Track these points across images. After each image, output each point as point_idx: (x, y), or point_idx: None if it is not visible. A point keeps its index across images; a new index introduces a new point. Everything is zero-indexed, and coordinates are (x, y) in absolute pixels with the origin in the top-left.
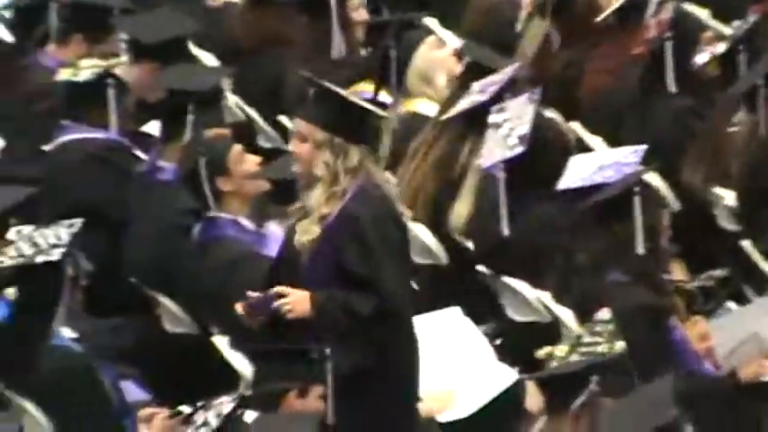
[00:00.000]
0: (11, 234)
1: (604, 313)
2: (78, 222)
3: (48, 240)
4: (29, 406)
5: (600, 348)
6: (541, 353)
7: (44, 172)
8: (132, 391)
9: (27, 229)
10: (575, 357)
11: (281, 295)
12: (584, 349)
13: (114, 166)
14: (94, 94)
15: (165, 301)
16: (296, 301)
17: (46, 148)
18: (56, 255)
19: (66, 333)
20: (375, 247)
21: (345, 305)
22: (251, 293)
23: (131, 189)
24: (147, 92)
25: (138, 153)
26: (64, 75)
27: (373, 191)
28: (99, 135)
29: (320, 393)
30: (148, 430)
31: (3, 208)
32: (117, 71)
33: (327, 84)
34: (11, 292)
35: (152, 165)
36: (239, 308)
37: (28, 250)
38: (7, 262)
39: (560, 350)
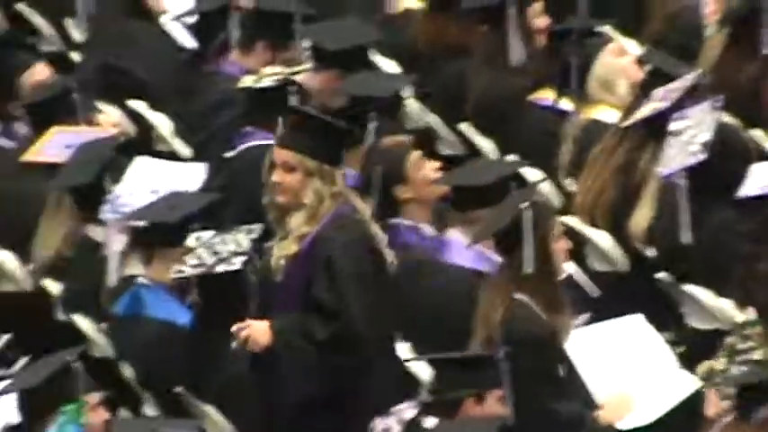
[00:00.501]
0: (190, 241)
1: (750, 313)
2: (258, 228)
3: (228, 248)
4: (210, 411)
5: (756, 356)
6: (701, 370)
7: (227, 178)
8: None
9: (207, 235)
10: (734, 370)
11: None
12: (741, 358)
13: None
14: (276, 101)
15: None
16: (256, 332)
17: (228, 154)
18: (237, 264)
19: None
20: (342, 275)
21: (303, 329)
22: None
23: None
24: (329, 99)
25: None
26: (246, 82)
27: (350, 215)
28: None
29: (498, 397)
30: None
31: (185, 214)
32: (299, 78)
33: (310, 109)
34: (194, 298)
35: None
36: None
37: (208, 259)
38: (188, 272)
39: (719, 363)
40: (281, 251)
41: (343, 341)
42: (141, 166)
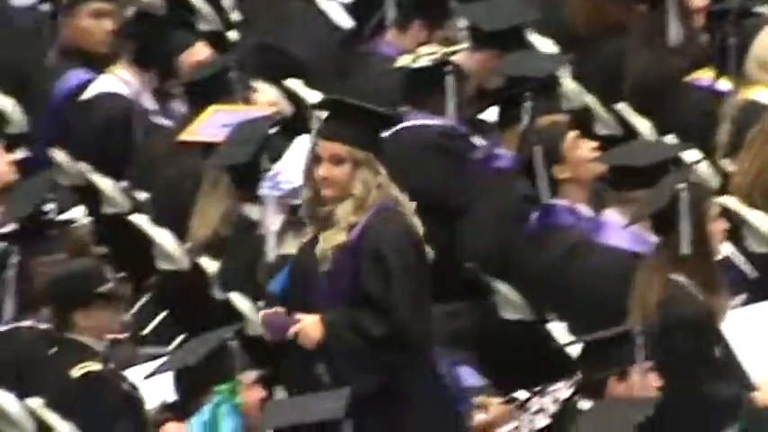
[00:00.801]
0: None
1: None
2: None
3: None
4: None
5: None
6: None
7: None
8: (468, 377)
9: None
10: None
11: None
12: None
13: (452, 153)
14: (433, 81)
15: (502, 287)
16: (308, 326)
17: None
18: None
19: None
20: (392, 270)
21: (356, 326)
22: (270, 310)
23: (468, 176)
24: (486, 79)
25: (476, 140)
26: (403, 62)
27: (394, 207)
28: (437, 122)
29: (640, 372)
30: (484, 416)
31: None
32: (456, 58)
33: (353, 100)
34: None
35: (489, 151)
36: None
37: None
38: None
39: None
40: (328, 241)
41: (396, 338)
42: (302, 146)
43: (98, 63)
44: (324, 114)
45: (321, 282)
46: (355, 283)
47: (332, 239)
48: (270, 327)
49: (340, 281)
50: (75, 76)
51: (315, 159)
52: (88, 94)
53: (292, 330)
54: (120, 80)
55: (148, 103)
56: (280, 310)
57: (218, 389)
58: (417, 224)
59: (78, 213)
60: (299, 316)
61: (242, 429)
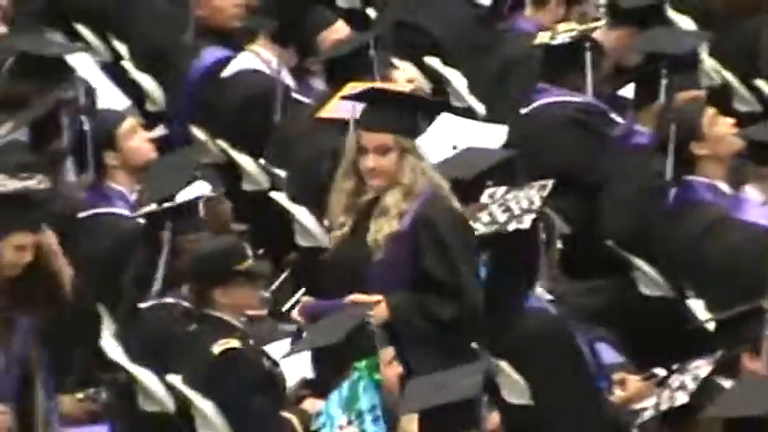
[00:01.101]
0: (484, 197)
1: None
2: (549, 184)
3: (520, 205)
4: (504, 367)
5: None
6: None
7: (521, 135)
8: (607, 354)
9: (500, 191)
10: None
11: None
12: None
13: (590, 129)
14: (571, 58)
15: (641, 263)
16: (375, 307)
17: (523, 111)
18: (527, 222)
19: (542, 295)
20: (457, 256)
21: (424, 310)
22: (310, 301)
23: (607, 152)
24: (624, 55)
25: (614, 116)
26: (541, 39)
27: (441, 193)
28: (575, 98)
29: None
30: (623, 393)
31: (479, 170)
32: (594, 35)
33: (393, 88)
34: (486, 255)
35: (627, 128)
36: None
37: (500, 216)
38: (481, 229)
39: None
40: (381, 230)
41: (466, 321)
42: (444, 123)
43: (233, 40)
44: (363, 105)
45: (374, 271)
46: (413, 269)
47: (384, 228)
48: (314, 310)
49: (395, 269)
50: (212, 53)
51: (360, 150)
52: (228, 71)
53: (350, 297)
54: (259, 58)
55: (287, 79)
56: (316, 302)
57: (358, 365)
58: (460, 205)
59: (205, 190)
60: (355, 297)
61: (380, 406)
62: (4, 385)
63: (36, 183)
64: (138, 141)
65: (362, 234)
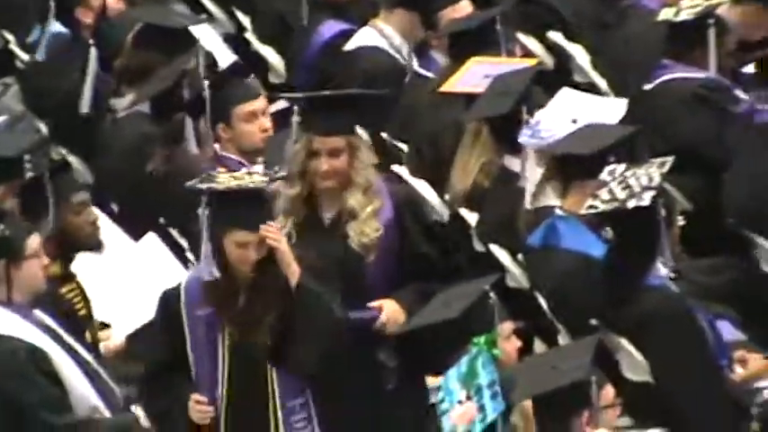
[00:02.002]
0: (604, 174)
1: None
2: (669, 161)
3: (640, 182)
4: (624, 344)
5: None
6: None
7: (644, 111)
8: (727, 331)
9: (620, 168)
10: None
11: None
12: None
13: (713, 106)
14: (695, 35)
15: (763, 241)
16: (393, 313)
17: (646, 87)
18: (646, 199)
19: (663, 272)
20: (438, 230)
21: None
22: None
23: (730, 129)
24: (749, 32)
25: (738, 93)
26: (664, 15)
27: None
28: (698, 74)
29: None
30: (744, 371)
31: (600, 147)
32: (718, 11)
33: (337, 91)
34: (607, 233)
35: (751, 105)
36: None
37: (620, 194)
38: (601, 207)
39: None
40: (361, 232)
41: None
42: (564, 97)
43: (349, 13)
44: (309, 111)
45: (370, 272)
46: (408, 261)
47: (366, 229)
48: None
49: (390, 262)
50: (330, 27)
51: (310, 154)
52: (349, 46)
53: (382, 320)
54: (380, 33)
55: (407, 54)
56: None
57: (476, 341)
58: None
59: None
60: (375, 305)
61: (499, 381)
62: None
63: (257, 181)
64: (255, 127)
65: (312, 236)
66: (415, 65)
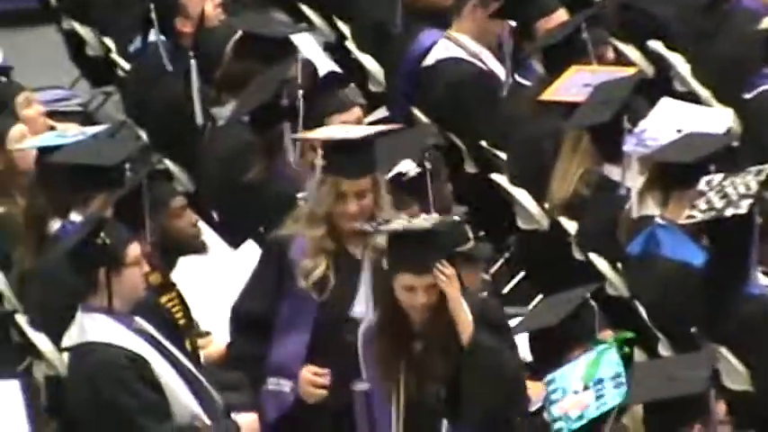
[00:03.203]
0: (701, 185)
1: None
2: (766, 169)
3: (738, 190)
4: (724, 352)
5: None
6: None
7: (745, 119)
8: None
9: (717, 178)
10: None
11: None
12: None
13: None
14: None
15: None
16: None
17: (747, 96)
18: (744, 207)
19: (763, 280)
20: None
21: None
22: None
23: None
24: None
25: None
26: (766, 24)
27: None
28: None
29: None
30: None
31: (700, 155)
32: None
33: (357, 135)
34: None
35: None
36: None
37: (718, 203)
38: (699, 216)
39: None
40: None
41: None
42: (667, 106)
43: (447, 19)
44: (336, 155)
45: None
46: None
47: None
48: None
49: None
50: (429, 35)
51: (339, 197)
52: (430, 60)
53: None
54: (455, 42)
55: (492, 63)
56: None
57: (608, 340)
58: None
59: (410, 166)
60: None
61: (625, 376)
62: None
63: (431, 224)
64: None
65: (346, 282)
66: (511, 72)
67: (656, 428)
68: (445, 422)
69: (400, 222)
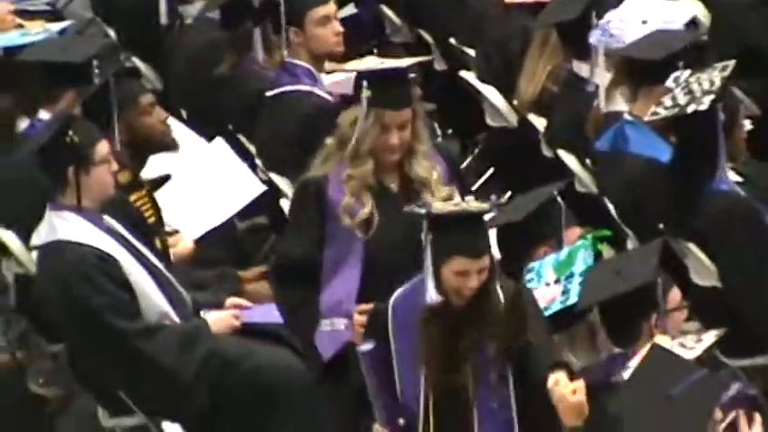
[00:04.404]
0: (669, 82)
1: None
2: (731, 65)
3: (701, 87)
4: (692, 249)
5: None
6: None
7: (712, 16)
8: None
9: (684, 74)
10: None
11: None
12: None
13: None
14: None
15: None
16: None
17: None
18: (706, 103)
19: (732, 177)
20: None
21: None
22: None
23: None
24: None
25: None
26: None
27: None
28: None
29: None
30: None
31: (670, 52)
32: None
33: (397, 62)
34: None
35: None
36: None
37: (682, 99)
38: (663, 113)
39: None
40: (436, 198)
41: None
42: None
43: None
44: (379, 84)
45: None
46: None
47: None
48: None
49: None
50: None
51: (382, 129)
52: None
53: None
54: None
55: None
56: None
57: (586, 236)
58: None
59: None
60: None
61: None
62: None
63: (482, 206)
64: (328, 31)
65: (389, 218)
66: None
67: (615, 326)
68: (476, 411)
69: (445, 203)
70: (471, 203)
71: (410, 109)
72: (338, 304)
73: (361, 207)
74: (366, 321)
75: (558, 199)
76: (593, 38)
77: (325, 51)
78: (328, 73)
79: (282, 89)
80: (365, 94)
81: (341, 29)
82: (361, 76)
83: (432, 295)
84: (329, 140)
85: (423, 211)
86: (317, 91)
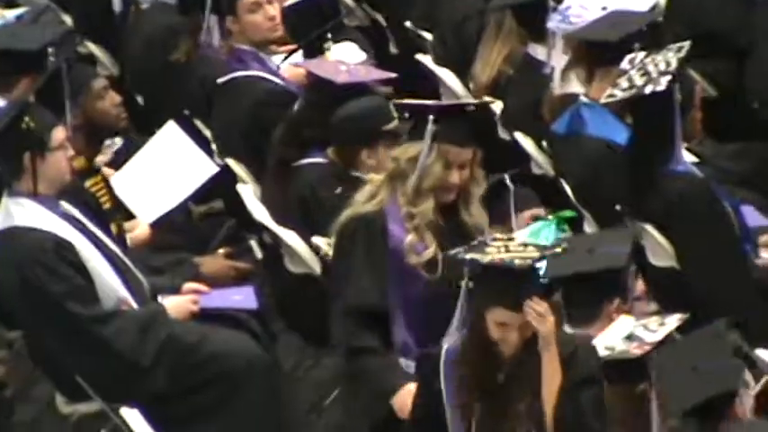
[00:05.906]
0: (624, 63)
1: None
2: (686, 46)
3: (658, 68)
4: (649, 229)
5: None
6: None
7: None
8: (752, 217)
9: (640, 55)
10: None
11: None
12: None
13: None
14: None
15: None
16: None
17: None
18: (663, 84)
19: (687, 158)
20: None
21: None
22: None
23: (755, 13)
24: None
25: None
26: None
27: None
28: None
29: None
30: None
31: (624, 33)
32: None
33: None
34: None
35: None
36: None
37: (639, 80)
38: (619, 95)
39: None
40: None
41: None
42: None
43: None
44: (446, 120)
45: None
46: None
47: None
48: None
49: None
50: None
51: (445, 166)
52: None
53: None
54: None
55: None
56: None
57: (551, 216)
58: None
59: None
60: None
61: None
62: None
63: (528, 256)
64: (260, 17)
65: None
66: None
67: (576, 303)
68: None
69: (496, 250)
70: (520, 251)
71: (472, 149)
72: (407, 345)
73: (423, 246)
74: (416, 363)
75: (508, 182)
76: (552, 23)
77: (261, 38)
78: (285, 58)
79: (233, 75)
80: (430, 128)
81: (274, 13)
82: (427, 110)
83: (454, 343)
84: (374, 176)
85: (467, 257)
86: (266, 75)
